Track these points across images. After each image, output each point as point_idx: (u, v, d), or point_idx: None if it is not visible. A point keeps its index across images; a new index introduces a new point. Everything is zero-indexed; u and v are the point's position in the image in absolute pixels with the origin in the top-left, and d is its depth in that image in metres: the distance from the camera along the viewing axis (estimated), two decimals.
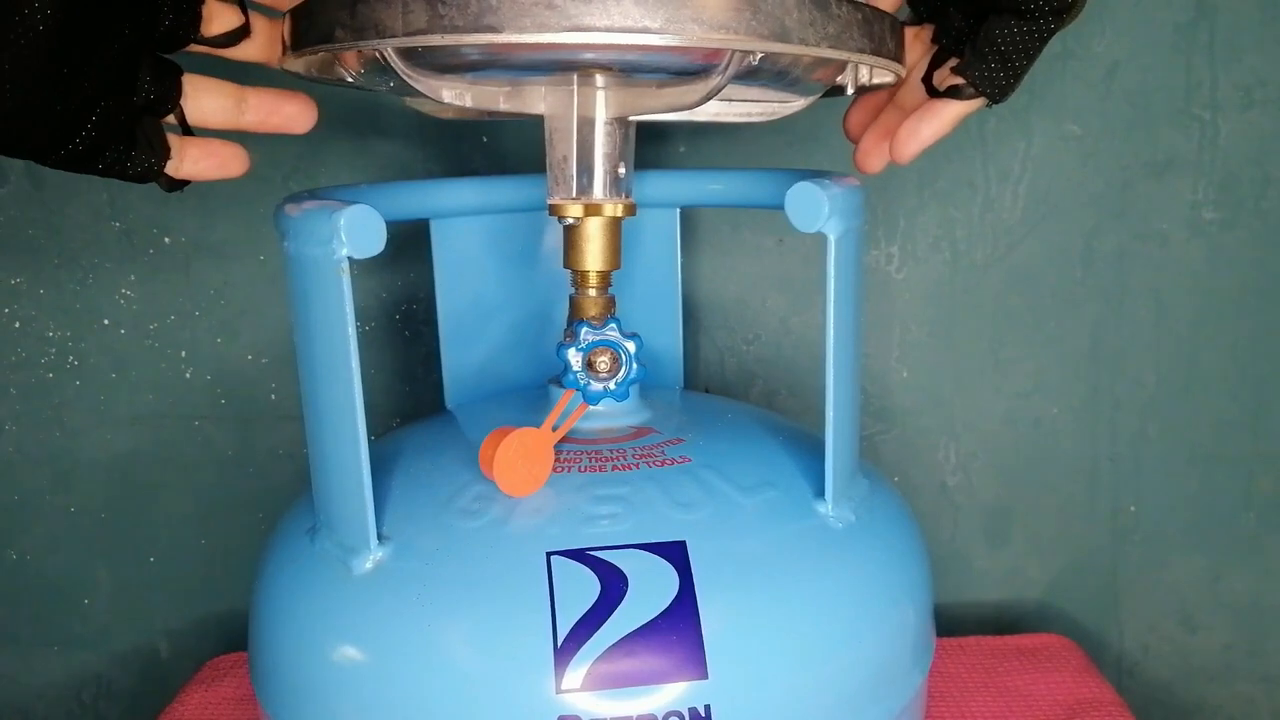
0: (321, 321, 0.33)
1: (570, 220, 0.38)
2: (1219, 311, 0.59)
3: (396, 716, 0.32)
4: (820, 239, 0.34)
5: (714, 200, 0.48)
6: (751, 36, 0.28)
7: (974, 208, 0.58)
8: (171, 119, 0.35)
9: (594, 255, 0.39)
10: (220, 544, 0.60)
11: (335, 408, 0.33)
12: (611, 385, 0.39)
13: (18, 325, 0.57)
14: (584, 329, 0.39)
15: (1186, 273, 0.59)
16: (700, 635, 0.32)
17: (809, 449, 0.39)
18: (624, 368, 0.39)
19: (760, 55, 0.30)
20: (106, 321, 0.57)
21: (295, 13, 0.31)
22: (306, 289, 0.33)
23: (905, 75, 0.38)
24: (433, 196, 0.45)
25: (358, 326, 0.33)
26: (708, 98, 0.32)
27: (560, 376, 0.39)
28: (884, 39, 0.32)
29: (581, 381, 0.39)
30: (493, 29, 0.27)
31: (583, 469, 0.37)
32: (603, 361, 0.39)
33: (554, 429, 0.37)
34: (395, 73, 0.31)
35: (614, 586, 0.32)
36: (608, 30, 0.27)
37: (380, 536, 0.34)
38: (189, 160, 0.35)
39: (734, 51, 0.30)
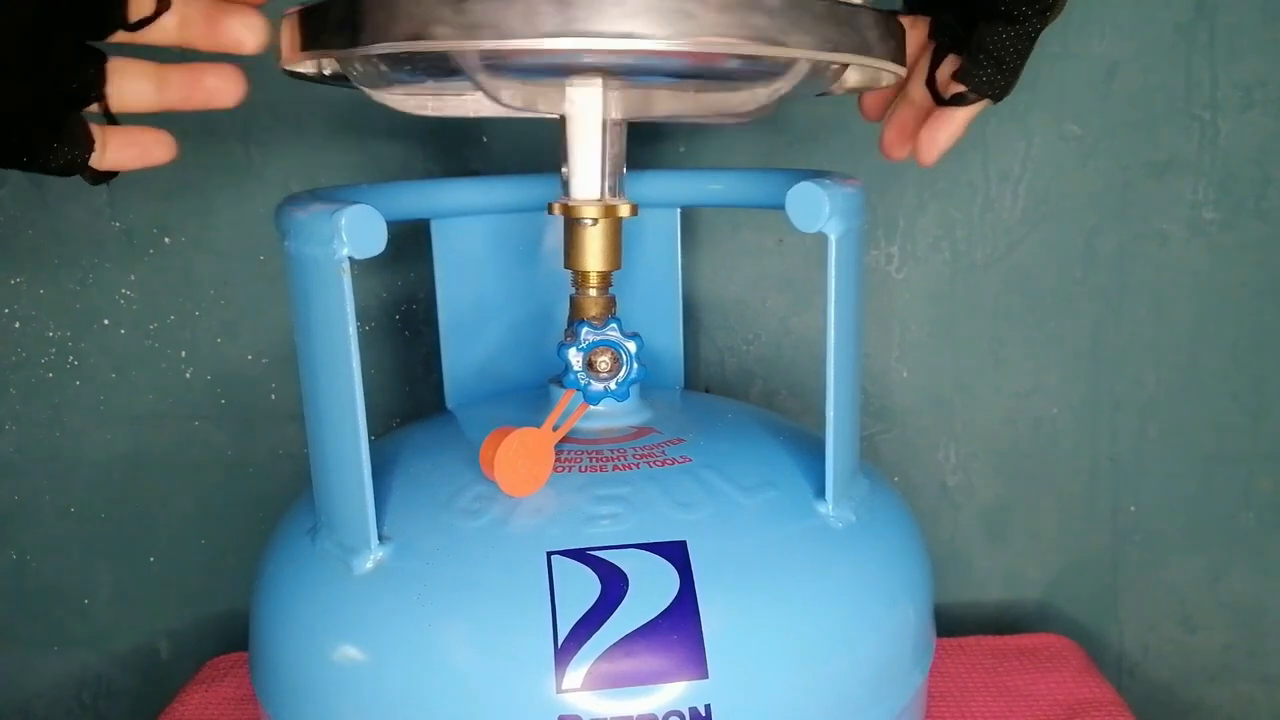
0: (322, 321, 0.33)
1: (589, 221, 0.38)
2: (1219, 311, 0.59)
3: (397, 716, 0.32)
4: (820, 239, 0.34)
5: (714, 200, 0.48)
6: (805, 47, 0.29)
7: (974, 208, 0.58)
8: (95, 108, 0.33)
9: (595, 255, 0.39)
10: (220, 544, 0.60)
11: (335, 408, 0.33)
12: (612, 385, 0.39)
13: (18, 325, 0.57)
14: (584, 329, 0.39)
15: (1186, 273, 0.59)
16: (701, 635, 0.32)
17: (809, 449, 0.40)
18: (624, 368, 0.39)
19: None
20: (106, 321, 0.57)
21: (312, 12, 0.31)
22: (307, 289, 0.33)
23: (912, 67, 0.40)
24: (433, 196, 0.45)
25: (358, 326, 0.33)
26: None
27: (561, 376, 0.39)
28: (881, 41, 0.32)
29: (582, 381, 0.39)
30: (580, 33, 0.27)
31: (583, 469, 0.37)
32: (603, 361, 0.39)
33: (554, 429, 0.37)
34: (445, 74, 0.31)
35: (614, 586, 0.32)
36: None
37: (381, 536, 0.34)
38: (111, 150, 0.34)
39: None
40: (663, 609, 0.32)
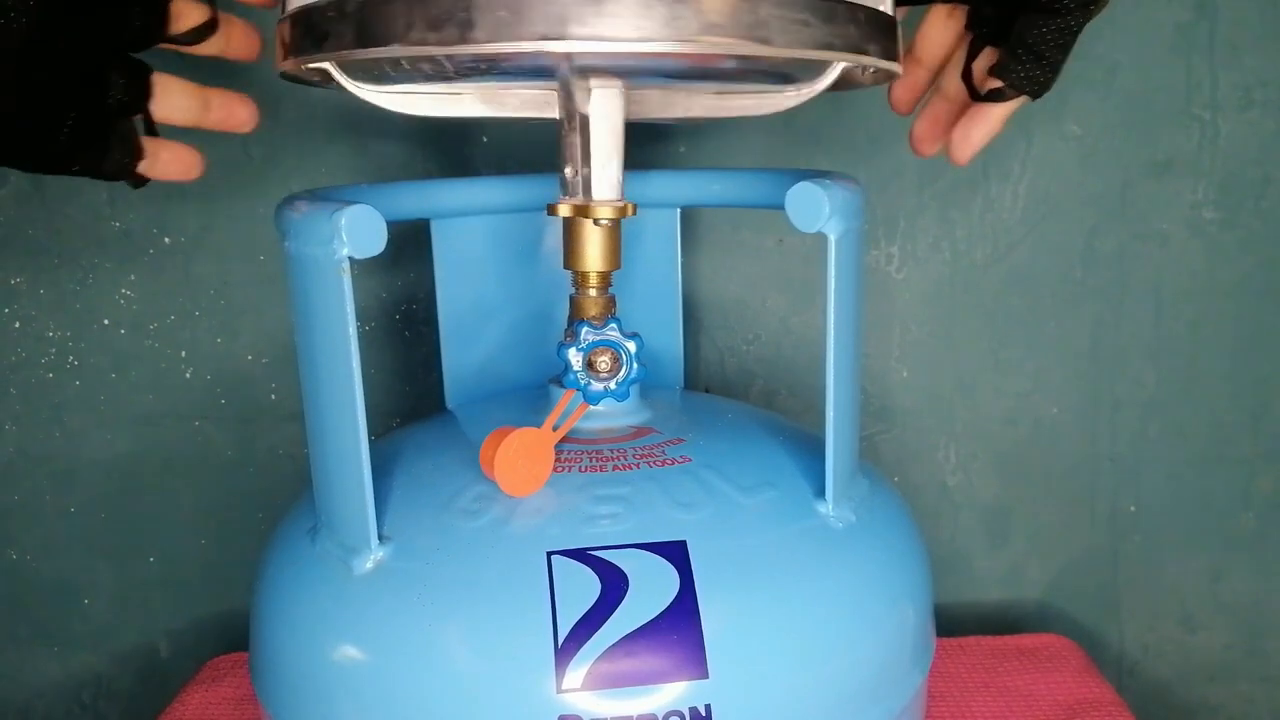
0: (322, 321, 0.33)
1: (606, 221, 0.38)
2: (1219, 311, 0.59)
3: (397, 716, 0.32)
4: (820, 239, 0.34)
5: (714, 200, 0.48)
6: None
7: (974, 208, 0.58)
8: (139, 118, 0.36)
9: (594, 256, 0.39)
10: (220, 544, 0.60)
11: (336, 408, 0.33)
12: (612, 385, 0.39)
13: (18, 325, 0.57)
14: (584, 329, 0.39)
15: (1186, 273, 0.59)
16: (701, 635, 0.32)
17: (809, 449, 0.40)
18: (624, 368, 0.39)
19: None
20: (106, 321, 0.57)
21: (303, 18, 0.31)
22: (307, 289, 0.33)
23: (944, 59, 0.40)
24: (433, 196, 0.45)
25: (358, 326, 0.33)
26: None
27: (561, 376, 0.39)
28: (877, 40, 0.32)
29: (582, 381, 0.39)
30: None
31: (583, 469, 0.37)
32: (603, 361, 0.39)
33: (554, 429, 0.37)
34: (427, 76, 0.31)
35: (614, 586, 0.32)
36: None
37: (381, 536, 0.34)
38: (162, 162, 0.37)
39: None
40: (663, 609, 0.32)
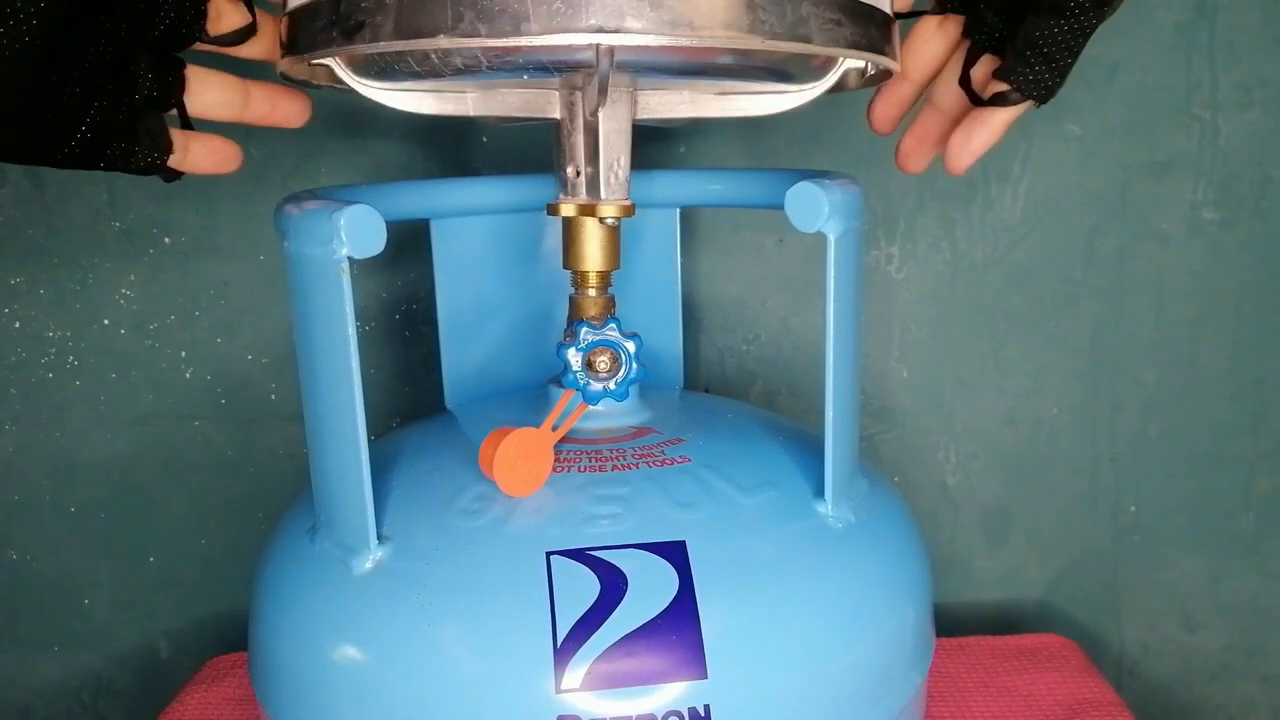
0: (322, 321, 0.33)
1: (611, 221, 0.38)
2: (1219, 311, 0.59)
3: (396, 716, 0.32)
4: (820, 239, 0.34)
5: (714, 200, 0.48)
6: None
7: (974, 208, 0.58)
8: (173, 111, 0.35)
9: (594, 255, 0.39)
10: (220, 544, 0.60)
11: (335, 408, 0.33)
12: (611, 385, 0.39)
13: (18, 325, 0.57)
14: (584, 329, 0.39)
15: (1186, 273, 0.59)
16: (700, 635, 0.32)
17: (809, 449, 0.40)
18: (624, 368, 0.39)
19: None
20: (106, 321, 0.57)
21: (300, 14, 0.31)
22: (307, 289, 0.33)
23: (935, 71, 0.38)
24: (433, 196, 0.45)
25: (358, 326, 0.33)
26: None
27: (560, 376, 0.39)
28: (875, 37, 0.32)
29: (581, 381, 0.39)
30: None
31: (583, 469, 0.37)
32: (602, 361, 0.39)
33: (554, 429, 0.37)
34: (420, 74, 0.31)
35: (614, 586, 0.32)
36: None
37: (380, 536, 0.34)
38: (194, 155, 0.36)
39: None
40: (662, 609, 0.32)
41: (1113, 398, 0.61)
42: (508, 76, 0.37)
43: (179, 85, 0.35)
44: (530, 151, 0.56)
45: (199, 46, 0.35)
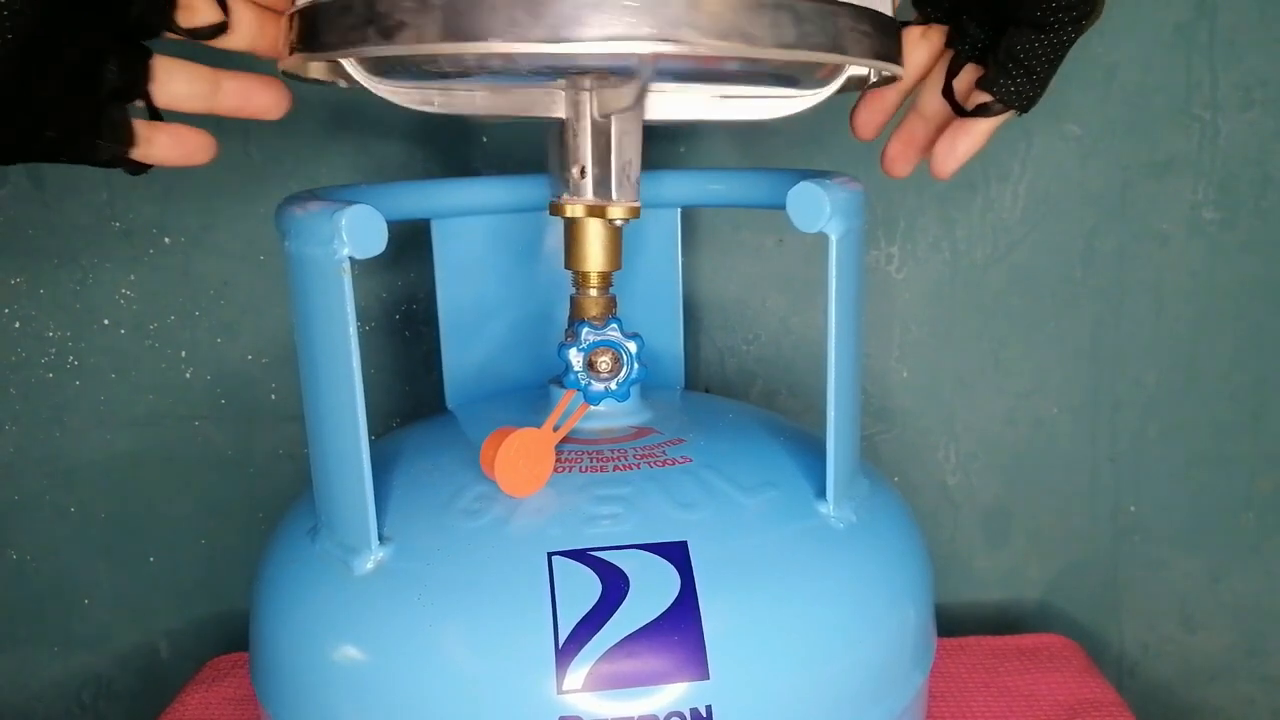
0: (322, 321, 0.33)
1: (620, 221, 0.38)
2: (1219, 311, 0.59)
3: (397, 717, 0.32)
4: (821, 239, 0.34)
5: (714, 200, 0.48)
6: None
7: (974, 208, 0.58)
8: (139, 103, 0.34)
9: (596, 256, 0.39)
10: (220, 544, 0.60)
11: (336, 408, 0.33)
12: (612, 385, 0.39)
13: (18, 325, 0.57)
14: (585, 329, 0.39)
15: (1186, 273, 0.59)
16: (702, 635, 0.32)
17: (809, 449, 0.40)
18: (625, 368, 0.39)
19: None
20: (106, 321, 0.57)
21: (322, 11, 0.31)
22: (307, 289, 0.33)
23: (919, 79, 0.39)
24: (433, 196, 0.45)
25: (358, 326, 0.33)
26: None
27: (561, 376, 0.39)
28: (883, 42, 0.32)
29: (582, 381, 0.39)
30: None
31: (584, 469, 0.37)
32: (604, 361, 0.39)
33: (555, 429, 0.37)
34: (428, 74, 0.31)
35: (615, 587, 0.32)
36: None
37: (381, 537, 0.34)
38: (159, 147, 0.35)
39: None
40: (664, 609, 0.32)
41: (1113, 398, 0.61)
42: (523, 79, 0.37)
43: (145, 75, 0.34)
44: (530, 152, 0.55)
45: (171, 37, 0.34)
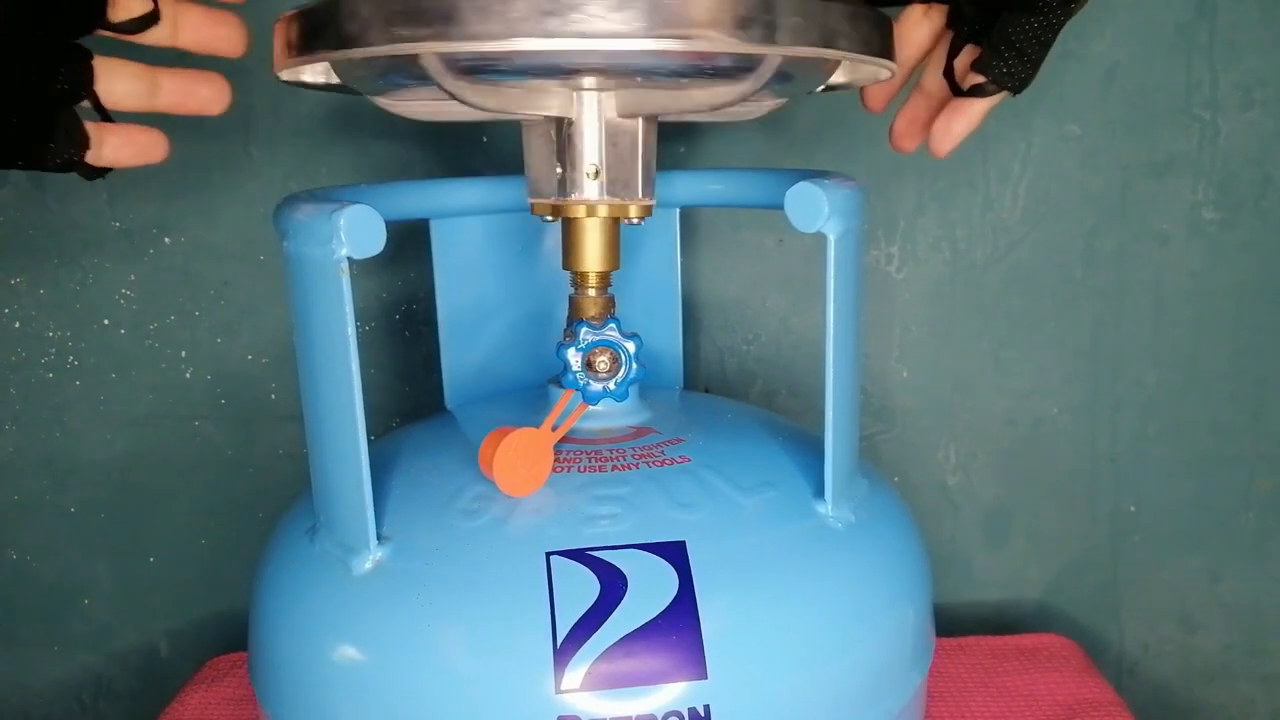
0: (321, 321, 0.33)
1: (634, 221, 0.38)
2: (1219, 311, 0.59)
3: (396, 716, 0.32)
4: (820, 239, 0.34)
5: (714, 200, 0.48)
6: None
7: (974, 208, 0.58)
8: (87, 104, 0.34)
9: (594, 256, 0.39)
10: (220, 544, 0.60)
11: (335, 408, 0.33)
12: (611, 385, 0.39)
13: (18, 325, 0.57)
14: (584, 329, 0.39)
15: (1186, 273, 0.59)
16: (700, 635, 0.32)
17: (809, 449, 0.40)
18: (624, 368, 0.39)
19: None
20: (106, 321, 0.57)
21: (308, 15, 0.31)
22: (306, 289, 0.33)
23: (920, 57, 0.40)
24: (433, 196, 0.45)
25: (358, 326, 0.33)
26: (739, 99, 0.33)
27: (560, 376, 0.39)
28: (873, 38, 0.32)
29: (581, 381, 0.39)
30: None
31: (582, 469, 0.37)
32: (602, 361, 0.39)
33: (554, 429, 0.37)
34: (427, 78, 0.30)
35: (613, 586, 0.32)
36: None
37: (380, 536, 0.34)
38: (109, 148, 0.35)
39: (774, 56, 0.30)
40: (662, 609, 0.32)
41: (1113, 398, 0.61)
42: (522, 78, 0.37)
43: (88, 77, 0.34)
44: None
45: (100, 33, 0.33)
